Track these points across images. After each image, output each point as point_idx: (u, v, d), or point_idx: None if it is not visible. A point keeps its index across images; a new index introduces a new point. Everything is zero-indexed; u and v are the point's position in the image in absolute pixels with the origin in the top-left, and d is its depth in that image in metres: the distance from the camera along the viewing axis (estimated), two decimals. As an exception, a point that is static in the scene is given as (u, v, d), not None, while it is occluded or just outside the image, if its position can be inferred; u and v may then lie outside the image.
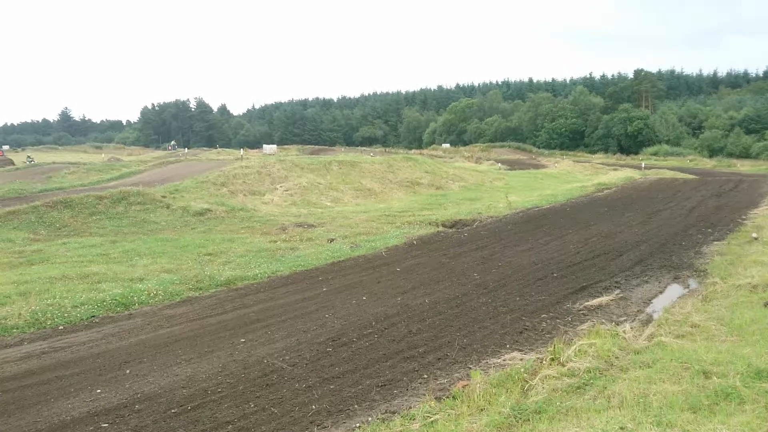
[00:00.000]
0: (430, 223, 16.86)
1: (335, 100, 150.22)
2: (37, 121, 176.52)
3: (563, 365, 5.57)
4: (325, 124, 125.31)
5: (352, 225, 17.18)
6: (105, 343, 7.29)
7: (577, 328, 7.43)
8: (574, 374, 5.42)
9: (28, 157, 52.05)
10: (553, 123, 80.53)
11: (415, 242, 14.07)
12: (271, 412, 5.21)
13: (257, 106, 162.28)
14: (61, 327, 7.88)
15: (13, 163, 43.12)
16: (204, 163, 36.53)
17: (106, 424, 5.05)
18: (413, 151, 72.10)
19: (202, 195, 21.93)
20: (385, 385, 5.75)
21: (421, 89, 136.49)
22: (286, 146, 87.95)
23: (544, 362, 5.73)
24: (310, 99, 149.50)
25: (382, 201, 25.36)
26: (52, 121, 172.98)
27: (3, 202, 21.11)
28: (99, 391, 5.78)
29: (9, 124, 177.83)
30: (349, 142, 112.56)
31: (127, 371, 6.30)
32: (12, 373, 6.35)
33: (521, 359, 6.19)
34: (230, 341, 7.22)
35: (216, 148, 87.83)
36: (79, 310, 8.41)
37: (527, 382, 5.38)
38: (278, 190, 24.98)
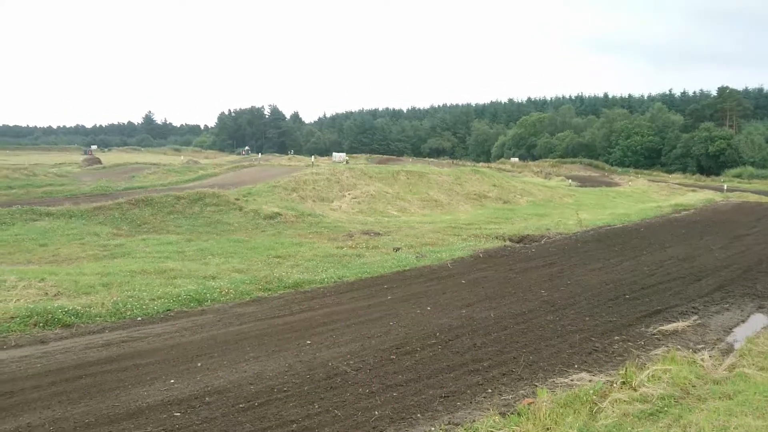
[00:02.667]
0: (496, 237, 16.64)
1: (405, 111, 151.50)
2: (123, 124, 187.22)
3: (635, 390, 5.37)
4: (394, 134, 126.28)
5: (418, 235, 17.19)
6: (179, 336, 7.61)
7: (651, 353, 7.14)
8: (647, 400, 5.21)
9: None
10: (628, 140, 77.81)
11: (481, 255, 13.92)
12: (334, 414, 5.28)
13: (328, 115, 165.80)
14: (139, 318, 8.28)
15: (100, 162, 45.88)
16: (276, 168, 37.55)
17: (178, 414, 5.27)
18: (481, 164, 71.32)
19: (273, 199, 22.52)
20: (448, 396, 5.72)
21: (492, 102, 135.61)
22: (354, 155, 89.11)
23: (614, 385, 5.54)
24: (380, 109, 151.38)
25: (449, 212, 25.26)
26: (136, 123, 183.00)
27: (91, 199, 22.49)
28: (172, 381, 6.03)
29: (98, 125, 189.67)
30: (417, 152, 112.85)
31: (199, 364, 6.54)
32: (95, 358, 6.73)
33: (590, 380, 6.00)
34: (296, 342, 7.38)
35: (287, 154, 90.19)
36: (156, 303, 8.82)
37: (596, 404, 5.21)
38: (346, 197, 25.33)
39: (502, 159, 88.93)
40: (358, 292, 10.32)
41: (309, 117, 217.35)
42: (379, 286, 10.77)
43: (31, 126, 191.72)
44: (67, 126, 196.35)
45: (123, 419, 5.16)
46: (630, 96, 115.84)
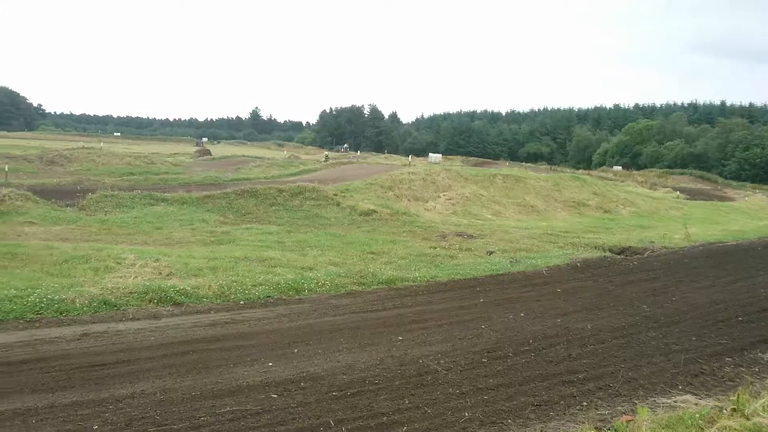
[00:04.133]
0: (595, 247, 16.00)
1: (503, 114, 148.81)
2: (232, 118, 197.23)
3: (747, 419, 4.98)
4: (491, 137, 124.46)
5: (512, 240, 16.88)
6: (277, 322, 7.95)
7: (766, 381, 6.61)
8: (761, 431, 4.83)
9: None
10: (747, 152, 72.08)
11: (578, 264, 13.45)
12: (424, 411, 5.32)
13: (426, 116, 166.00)
14: (242, 302, 8.73)
15: (210, 153, 48.66)
16: (373, 166, 38.13)
17: (275, 395, 5.51)
18: (581, 171, 68.74)
19: (369, 196, 22.91)
20: (540, 405, 5.59)
21: (596, 107, 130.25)
22: (450, 156, 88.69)
23: (724, 411, 5.18)
24: (478, 111, 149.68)
25: (545, 219, 24.58)
26: (244, 118, 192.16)
27: (201, 187, 23.92)
28: (271, 364, 6.32)
29: (209, 119, 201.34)
30: (514, 157, 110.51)
31: (295, 350, 6.81)
32: (201, 336, 7.18)
33: (696, 404, 5.65)
34: (388, 337, 7.49)
35: (384, 153, 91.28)
36: (257, 289, 9.26)
37: (702, 429, 4.90)
38: (441, 198, 25.30)
39: (604, 167, 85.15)
40: (450, 293, 10.31)
41: (407, 117, 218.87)
42: (472, 288, 10.69)
43: (150, 118, 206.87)
44: (182, 119, 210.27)
45: (225, 395, 5.47)
46: (751, 105, 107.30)
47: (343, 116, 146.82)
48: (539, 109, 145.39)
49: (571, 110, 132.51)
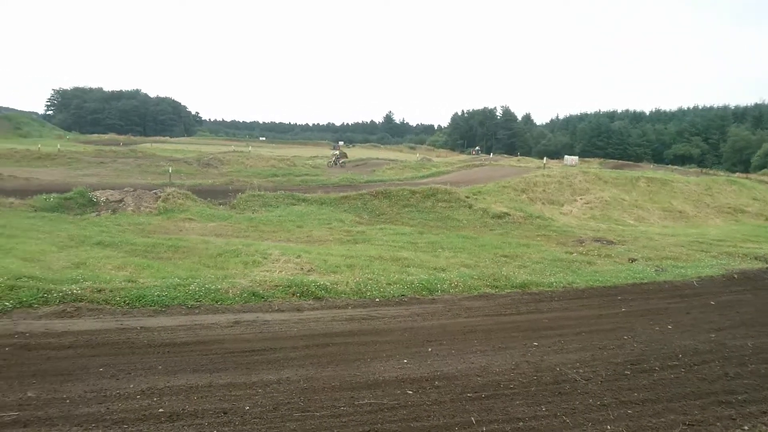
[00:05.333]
0: (756, 258, 14.46)
1: (647, 113, 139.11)
2: (366, 122, 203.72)
3: None
4: (633, 138, 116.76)
5: (657, 247, 15.76)
6: (411, 321, 8.08)
7: None
8: None
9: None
10: None
11: (735, 276, 12.23)
12: (562, 420, 5.14)
13: (561, 117, 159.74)
14: (377, 299, 8.99)
15: (346, 156, 50.39)
16: (505, 168, 37.48)
17: (411, 392, 5.61)
18: (737, 174, 62.30)
19: (501, 199, 22.56)
20: (693, 424, 5.17)
21: (756, 104, 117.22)
22: (587, 159, 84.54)
23: None
24: (619, 111, 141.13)
25: (695, 226, 22.66)
26: (377, 122, 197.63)
27: (338, 188, 24.93)
28: (405, 361, 6.45)
29: (345, 123, 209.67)
30: (658, 159, 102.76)
31: (429, 349, 6.88)
32: (340, 330, 7.50)
33: None
34: (523, 342, 7.33)
35: (516, 155, 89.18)
36: (392, 287, 9.48)
37: None
38: (578, 201, 24.27)
39: (765, 170, 76.40)
40: (588, 300, 9.85)
41: (541, 118, 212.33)
42: (612, 297, 10.13)
43: (292, 123, 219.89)
44: (320, 124, 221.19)
45: (362, 388, 5.66)
46: None
47: (475, 118, 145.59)
48: (688, 108, 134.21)
49: (726, 108, 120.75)
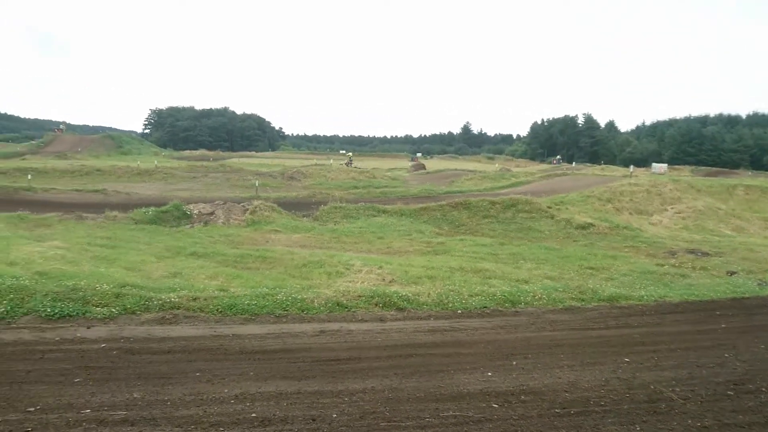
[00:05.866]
0: None
1: (743, 117, 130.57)
2: (444, 134, 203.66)
3: None
4: (728, 144, 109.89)
5: (759, 260, 14.76)
6: (494, 333, 7.99)
7: None
8: None
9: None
10: None
11: None
12: (658, 440, 4.92)
13: (647, 123, 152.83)
14: (459, 311, 8.95)
15: (425, 168, 50.72)
16: (589, 177, 36.32)
17: (496, 405, 5.54)
18: None
19: (585, 209, 21.88)
20: (806, 451, 4.81)
21: None
22: (676, 166, 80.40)
23: None
24: (711, 115, 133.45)
25: (804, 237, 21.00)
26: (455, 133, 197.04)
27: (417, 200, 25.05)
28: (490, 374, 6.38)
29: (423, 135, 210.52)
30: (757, 165, 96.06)
31: (514, 363, 6.78)
32: (422, 341, 7.52)
33: None
34: (613, 358, 7.06)
35: (600, 164, 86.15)
36: (473, 299, 9.41)
37: None
38: (668, 211, 23.13)
39: None
40: (683, 315, 9.36)
41: (625, 125, 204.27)
42: (710, 312, 9.58)
43: (370, 136, 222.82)
44: (398, 136, 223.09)
45: (447, 400, 5.65)
46: None
47: (555, 127, 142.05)
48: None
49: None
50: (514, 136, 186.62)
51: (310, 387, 5.82)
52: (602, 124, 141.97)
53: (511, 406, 5.53)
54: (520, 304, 9.46)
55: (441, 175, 45.50)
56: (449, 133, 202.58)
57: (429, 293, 9.49)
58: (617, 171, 52.28)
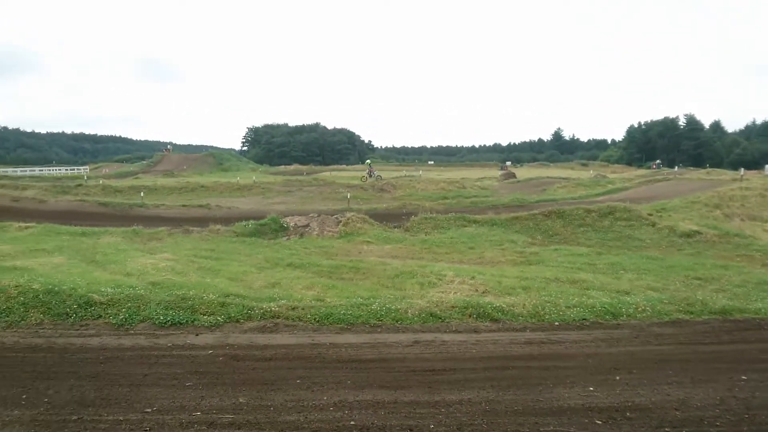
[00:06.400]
0: None
1: None
2: (534, 141, 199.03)
3: None
4: None
5: None
6: (595, 346, 7.69)
7: None
8: None
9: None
10: None
11: None
12: (783, 465, 4.54)
13: (758, 121, 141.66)
14: (556, 323, 8.69)
15: (515, 176, 49.71)
16: (693, 182, 34.23)
17: (600, 422, 5.33)
18: None
19: (690, 216, 20.62)
20: None
21: None
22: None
23: None
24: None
25: None
26: (545, 140, 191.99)
27: (508, 209, 24.63)
28: (591, 388, 6.14)
29: (512, 143, 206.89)
30: None
31: (617, 377, 6.49)
32: (518, 353, 7.37)
33: None
34: (727, 375, 6.59)
35: (705, 167, 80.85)
36: (571, 311, 9.10)
37: None
38: (787, 217, 21.31)
39: None
40: (809, 330, 8.58)
41: (733, 125, 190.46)
42: (840, 327, 8.71)
43: (458, 146, 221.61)
44: (486, 145, 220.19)
45: (547, 414, 5.50)
46: None
47: (654, 130, 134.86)
48: None
49: None
50: (609, 141, 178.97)
51: (406, 397, 5.87)
52: (706, 125, 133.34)
53: (617, 423, 5.30)
54: (622, 316, 9.04)
55: (532, 183, 44.41)
56: (539, 140, 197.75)
57: (524, 304, 9.28)
58: (725, 174, 48.73)
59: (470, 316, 8.84)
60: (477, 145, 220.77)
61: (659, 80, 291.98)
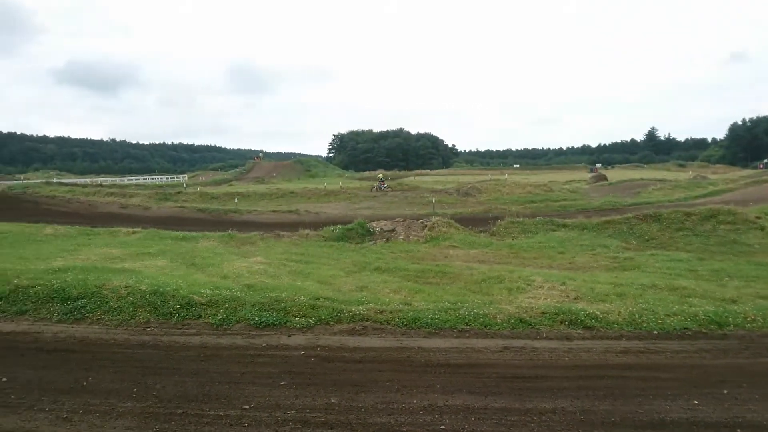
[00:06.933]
0: None
1: None
2: (626, 142, 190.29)
3: None
4: None
5: None
6: (698, 357, 7.26)
7: None
8: None
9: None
10: None
11: None
12: None
13: None
14: (655, 332, 8.26)
15: (606, 179, 47.82)
16: (808, 182, 31.47)
17: (707, 437, 5.03)
18: None
19: (806, 219, 18.96)
20: None
21: None
22: None
23: None
24: None
25: None
26: (638, 141, 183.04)
27: (599, 213, 23.72)
28: (696, 402, 5.80)
29: (602, 144, 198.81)
30: None
31: (725, 391, 6.08)
32: (614, 362, 7.08)
33: None
34: None
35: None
36: (671, 319, 8.63)
37: None
38: None
39: None
40: None
41: None
42: None
43: (545, 148, 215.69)
44: (575, 147, 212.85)
45: (646, 427, 5.26)
46: None
47: (760, 127, 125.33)
48: None
49: None
50: (709, 140, 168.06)
51: (497, 403, 5.79)
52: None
53: (728, 440, 4.98)
54: (729, 326, 8.46)
55: (625, 185, 42.52)
56: (632, 140, 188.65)
57: (619, 312, 8.90)
58: None
59: (561, 322, 8.58)
60: (564, 147, 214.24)
61: (764, 74, 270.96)
